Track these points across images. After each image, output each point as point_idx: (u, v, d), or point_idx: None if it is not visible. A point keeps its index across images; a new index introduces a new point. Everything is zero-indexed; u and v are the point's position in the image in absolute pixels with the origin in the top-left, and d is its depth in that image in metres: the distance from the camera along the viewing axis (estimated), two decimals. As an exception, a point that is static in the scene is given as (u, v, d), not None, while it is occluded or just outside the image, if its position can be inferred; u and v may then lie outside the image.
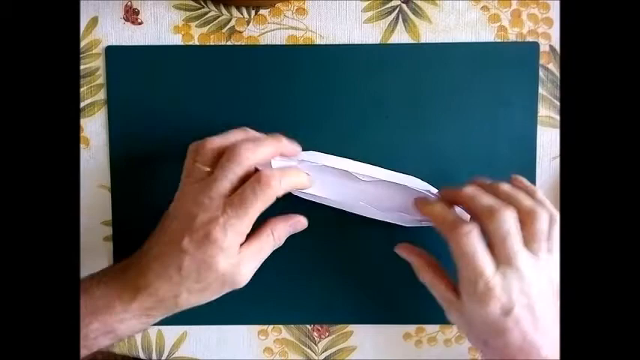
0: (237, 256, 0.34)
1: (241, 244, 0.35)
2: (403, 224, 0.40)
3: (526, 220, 0.34)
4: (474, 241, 0.33)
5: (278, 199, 0.35)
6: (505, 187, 0.36)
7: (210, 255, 0.33)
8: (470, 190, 0.36)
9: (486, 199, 0.35)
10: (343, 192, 0.39)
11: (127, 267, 0.36)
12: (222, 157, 0.35)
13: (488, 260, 0.33)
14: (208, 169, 0.35)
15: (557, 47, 0.42)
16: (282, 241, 0.38)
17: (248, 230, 0.34)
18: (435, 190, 0.39)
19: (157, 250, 0.35)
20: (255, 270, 0.36)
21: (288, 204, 0.38)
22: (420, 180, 0.39)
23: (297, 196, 0.39)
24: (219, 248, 0.33)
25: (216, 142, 0.36)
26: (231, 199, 0.34)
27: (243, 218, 0.33)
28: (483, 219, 0.34)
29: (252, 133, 0.38)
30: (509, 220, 0.33)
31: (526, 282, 0.33)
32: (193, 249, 0.33)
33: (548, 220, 0.34)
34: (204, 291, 0.35)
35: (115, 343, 0.37)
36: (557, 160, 0.42)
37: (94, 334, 0.35)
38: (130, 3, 0.42)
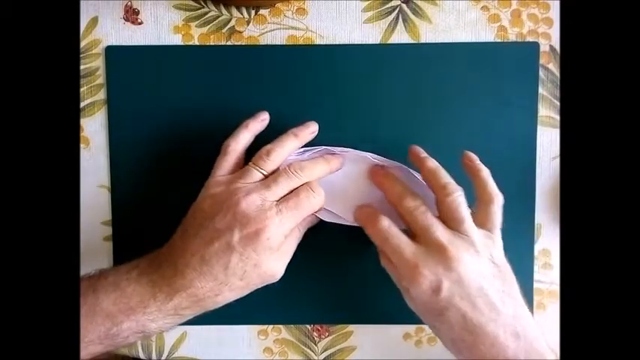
0: (278, 253, 0.36)
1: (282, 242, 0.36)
2: None
3: (441, 197, 0.35)
4: (389, 227, 0.35)
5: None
6: (430, 163, 0.37)
7: (260, 252, 0.34)
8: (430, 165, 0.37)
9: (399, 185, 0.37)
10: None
11: (161, 263, 0.35)
12: (280, 169, 0.37)
13: (405, 240, 0.35)
14: (264, 174, 0.37)
15: (557, 47, 0.42)
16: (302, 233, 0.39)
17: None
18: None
19: (197, 246, 0.34)
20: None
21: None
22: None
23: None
24: (269, 247, 0.34)
25: (277, 151, 0.37)
26: (287, 201, 0.35)
27: (290, 222, 0.35)
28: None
29: (303, 135, 0.38)
30: (416, 199, 0.36)
31: (450, 258, 0.33)
32: (243, 246, 0.34)
33: (462, 197, 0.35)
34: (245, 288, 0.35)
35: (141, 340, 0.36)
36: (557, 160, 0.42)
37: (126, 333, 0.34)
38: (130, 3, 0.42)
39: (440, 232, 0.34)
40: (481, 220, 0.36)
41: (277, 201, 0.35)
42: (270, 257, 0.35)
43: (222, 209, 0.35)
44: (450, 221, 0.35)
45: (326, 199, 0.38)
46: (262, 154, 0.37)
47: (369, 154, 0.39)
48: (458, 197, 0.35)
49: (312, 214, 0.38)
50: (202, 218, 0.35)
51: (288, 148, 0.38)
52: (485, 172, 0.37)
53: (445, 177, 0.36)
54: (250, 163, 0.37)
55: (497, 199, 0.36)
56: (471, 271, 0.33)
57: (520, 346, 0.33)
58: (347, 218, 0.39)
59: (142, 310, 0.34)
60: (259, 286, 0.36)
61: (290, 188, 0.36)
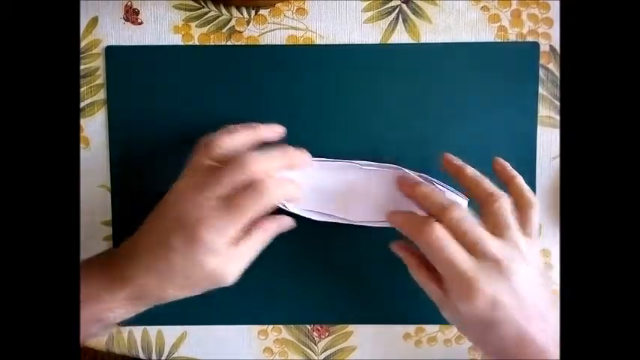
0: (225, 256, 0.34)
1: (230, 245, 0.34)
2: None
3: (486, 205, 0.35)
4: (443, 238, 0.33)
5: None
6: (470, 170, 0.36)
7: (198, 254, 0.33)
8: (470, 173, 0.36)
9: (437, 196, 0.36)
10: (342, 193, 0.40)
11: (117, 255, 0.36)
12: (230, 160, 0.34)
13: (463, 253, 0.33)
14: (216, 164, 0.35)
15: (557, 47, 0.42)
16: (268, 242, 0.37)
17: (238, 234, 0.34)
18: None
19: (148, 242, 0.35)
20: (244, 269, 0.36)
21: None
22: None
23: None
24: (206, 248, 0.33)
25: (227, 141, 0.36)
26: (227, 202, 0.33)
27: (234, 222, 0.33)
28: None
29: (262, 130, 0.38)
30: (463, 211, 0.34)
31: (506, 272, 0.33)
32: (182, 247, 0.33)
33: (510, 204, 0.34)
34: (192, 287, 0.35)
35: (103, 331, 0.37)
36: (557, 160, 0.42)
37: (82, 323, 0.34)
38: (130, 3, 0.42)
39: (493, 244, 0.33)
40: (521, 226, 0.35)
41: (222, 198, 0.33)
42: (212, 259, 0.33)
43: (167, 206, 0.35)
44: (496, 228, 0.34)
45: (317, 202, 0.39)
46: (208, 142, 0.35)
47: (359, 162, 0.40)
48: (504, 203, 0.34)
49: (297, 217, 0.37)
50: (155, 214, 0.36)
51: (239, 137, 0.36)
52: (520, 179, 0.36)
53: (489, 184, 0.35)
54: (199, 154, 0.36)
55: (536, 205, 0.35)
56: (524, 283, 0.33)
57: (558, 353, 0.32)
58: (345, 217, 0.40)
59: (96, 299, 0.34)
60: (212, 288, 0.35)
61: (239, 183, 0.34)
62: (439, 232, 0.33)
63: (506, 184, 0.37)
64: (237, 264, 0.35)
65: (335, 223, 0.40)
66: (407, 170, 0.39)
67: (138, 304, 0.36)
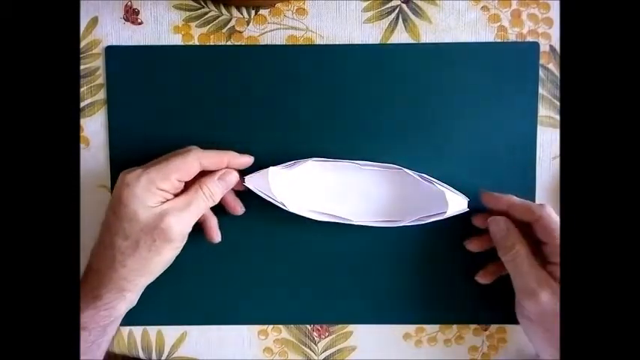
0: (159, 207, 0.36)
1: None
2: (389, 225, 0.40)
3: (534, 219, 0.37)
4: (523, 262, 0.36)
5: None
6: (509, 198, 0.39)
7: (128, 204, 0.35)
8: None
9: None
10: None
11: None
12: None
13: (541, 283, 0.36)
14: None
15: (557, 47, 0.42)
16: (215, 197, 0.38)
17: (166, 187, 0.36)
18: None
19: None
20: (189, 225, 0.37)
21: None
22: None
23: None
24: (134, 196, 0.35)
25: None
26: (153, 162, 0.37)
27: (161, 171, 0.36)
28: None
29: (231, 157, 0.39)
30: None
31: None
32: (115, 204, 0.36)
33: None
34: (137, 248, 0.36)
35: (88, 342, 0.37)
36: (557, 160, 0.42)
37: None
38: (130, 3, 0.42)
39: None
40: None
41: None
42: (144, 209, 0.36)
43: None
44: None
45: (317, 202, 0.40)
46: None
47: (359, 162, 0.40)
48: (548, 210, 0.37)
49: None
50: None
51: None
52: (514, 198, 0.39)
53: (523, 201, 0.38)
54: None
55: (545, 207, 0.37)
56: None
57: None
58: (345, 217, 0.40)
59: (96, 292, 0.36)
60: (163, 248, 0.36)
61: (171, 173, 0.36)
62: (553, 213, 0.36)
63: (505, 212, 0.38)
64: (175, 217, 0.36)
65: (336, 223, 0.40)
66: (407, 170, 0.39)
67: (103, 295, 0.36)
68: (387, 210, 0.40)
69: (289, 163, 0.40)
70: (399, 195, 0.40)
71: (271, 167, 0.39)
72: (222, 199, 0.39)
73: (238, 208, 0.41)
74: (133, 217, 0.35)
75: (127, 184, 0.36)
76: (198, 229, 0.40)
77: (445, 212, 0.38)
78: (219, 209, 0.40)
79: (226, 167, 0.39)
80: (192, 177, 0.38)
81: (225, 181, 0.38)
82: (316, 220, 0.40)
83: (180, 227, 0.36)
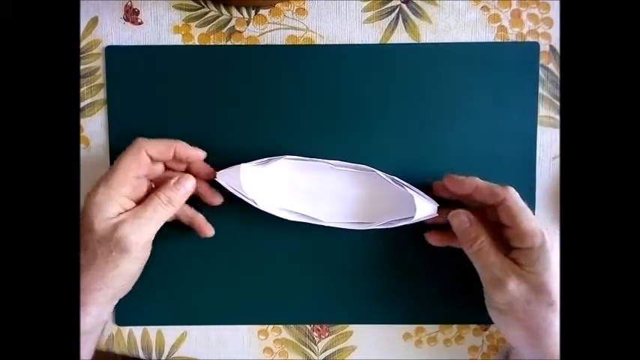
0: (116, 217, 0.35)
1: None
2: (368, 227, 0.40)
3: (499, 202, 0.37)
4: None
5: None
6: (468, 181, 0.38)
7: (87, 214, 0.35)
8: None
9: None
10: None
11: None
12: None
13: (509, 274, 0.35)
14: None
15: (557, 47, 0.42)
16: (174, 203, 0.37)
17: (125, 189, 0.36)
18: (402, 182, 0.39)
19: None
20: (147, 235, 0.36)
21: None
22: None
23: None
24: (93, 204, 0.35)
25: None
26: (108, 172, 0.37)
27: (114, 172, 0.36)
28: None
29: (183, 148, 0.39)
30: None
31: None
32: (82, 216, 0.36)
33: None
34: (95, 260, 0.35)
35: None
36: (557, 160, 0.42)
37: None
38: (130, 3, 0.42)
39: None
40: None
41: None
42: (100, 220, 0.35)
43: None
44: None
45: (288, 201, 0.40)
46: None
47: (332, 162, 0.40)
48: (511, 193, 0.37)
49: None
50: None
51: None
52: (477, 180, 0.38)
53: (487, 184, 0.37)
54: None
55: (509, 189, 0.37)
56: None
57: None
58: (316, 217, 0.40)
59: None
60: (120, 259, 0.35)
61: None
62: (517, 195, 0.36)
63: (469, 195, 0.38)
64: (131, 226, 0.35)
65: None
66: (379, 172, 0.39)
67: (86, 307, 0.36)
68: (358, 211, 0.40)
69: (262, 160, 0.39)
70: (370, 197, 0.40)
71: (243, 164, 0.39)
72: (197, 191, 0.39)
73: (214, 198, 0.40)
74: (90, 227, 0.35)
75: (88, 194, 0.36)
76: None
77: (413, 217, 0.38)
78: (220, 209, 0.40)
79: (174, 157, 0.38)
80: (146, 169, 0.37)
81: (182, 185, 0.38)
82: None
83: (135, 237, 0.35)
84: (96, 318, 0.37)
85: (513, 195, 0.36)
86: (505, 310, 0.36)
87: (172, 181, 0.38)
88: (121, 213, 0.36)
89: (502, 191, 0.36)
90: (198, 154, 0.39)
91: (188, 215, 0.40)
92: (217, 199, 0.40)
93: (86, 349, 0.37)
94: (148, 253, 0.38)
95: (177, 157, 0.38)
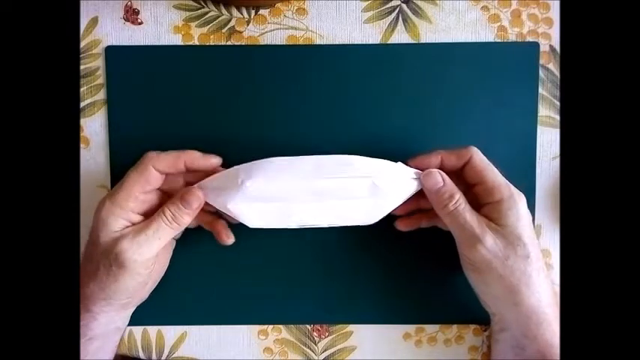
0: (120, 231, 0.35)
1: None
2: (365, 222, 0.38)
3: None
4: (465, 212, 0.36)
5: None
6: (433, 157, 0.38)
7: (95, 227, 0.36)
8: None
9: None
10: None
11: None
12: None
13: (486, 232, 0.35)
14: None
15: (557, 47, 0.42)
16: (179, 220, 0.36)
17: (132, 205, 0.36)
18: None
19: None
20: (147, 252, 0.35)
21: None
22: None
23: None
24: (99, 219, 0.35)
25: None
26: (115, 187, 0.36)
27: (120, 189, 0.36)
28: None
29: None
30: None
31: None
32: (91, 228, 0.36)
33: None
34: (97, 272, 0.35)
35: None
36: (557, 160, 0.42)
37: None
38: (130, 3, 0.42)
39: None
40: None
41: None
42: (105, 233, 0.36)
43: None
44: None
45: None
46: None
47: (313, 157, 0.37)
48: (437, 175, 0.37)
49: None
50: None
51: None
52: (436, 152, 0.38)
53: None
54: None
55: (472, 148, 0.38)
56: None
57: None
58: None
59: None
60: (119, 275, 0.35)
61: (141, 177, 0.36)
62: (481, 153, 0.37)
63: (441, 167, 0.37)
64: (133, 243, 0.35)
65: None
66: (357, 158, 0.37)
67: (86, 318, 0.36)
68: (358, 212, 0.38)
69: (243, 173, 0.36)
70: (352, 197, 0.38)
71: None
72: (210, 226, 0.39)
73: (224, 237, 0.38)
74: (96, 240, 0.35)
75: (97, 208, 0.36)
76: (199, 228, 0.40)
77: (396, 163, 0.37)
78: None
79: (186, 169, 0.37)
80: (156, 185, 0.37)
81: (186, 202, 0.36)
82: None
83: (133, 254, 0.34)
84: (105, 325, 0.37)
85: (478, 153, 0.37)
86: (484, 270, 0.36)
87: (177, 196, 0.36)
88: (127, 226, 0.36)
89: (467, 151, 0.37)
90: (212, 163, 0.37)
91: (208, 221, 0.39)
92: (227, 239, 0.39)
93: (100, 354, 0.38)
94: (152, 269, 0.37)
95: (189, 168, 0.37)
